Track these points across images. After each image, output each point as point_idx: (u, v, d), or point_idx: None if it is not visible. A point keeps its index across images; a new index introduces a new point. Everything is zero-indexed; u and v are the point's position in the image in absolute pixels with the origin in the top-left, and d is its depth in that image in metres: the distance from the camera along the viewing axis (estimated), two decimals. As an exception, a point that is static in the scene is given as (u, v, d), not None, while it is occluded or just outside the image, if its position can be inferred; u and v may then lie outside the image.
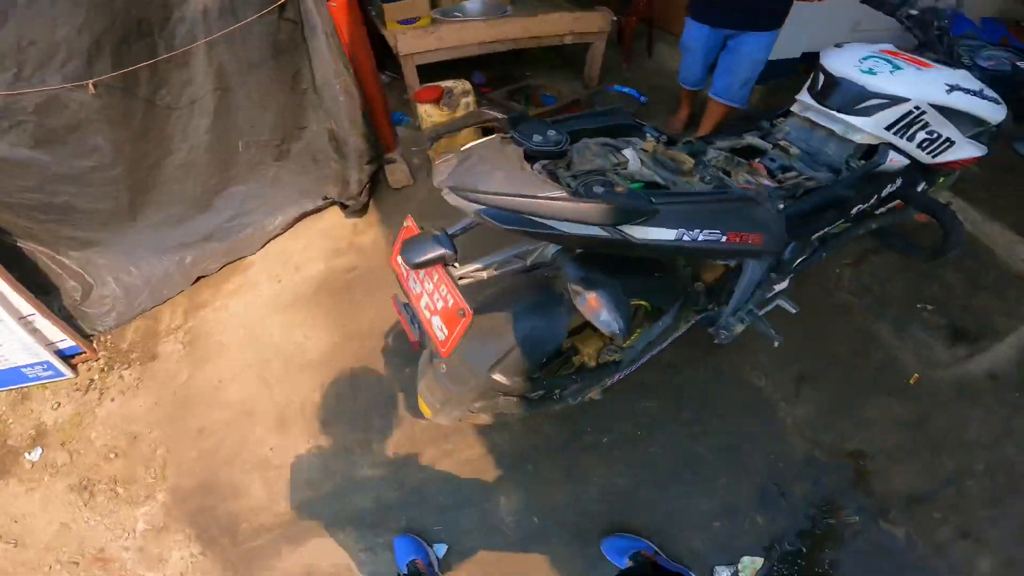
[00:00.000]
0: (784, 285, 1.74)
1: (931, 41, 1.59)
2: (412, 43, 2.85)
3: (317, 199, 2.67)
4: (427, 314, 1.15)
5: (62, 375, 2.07)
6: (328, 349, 2.24)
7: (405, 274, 1.21)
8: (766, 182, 1.40)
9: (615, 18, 3.36)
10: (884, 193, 1.61)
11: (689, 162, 1.34)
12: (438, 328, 1.11)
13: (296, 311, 2.38)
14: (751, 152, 1.60)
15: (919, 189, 1.76)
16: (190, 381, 2.21)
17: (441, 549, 1.74)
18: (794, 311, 1.77)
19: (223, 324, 2.37)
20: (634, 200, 1.04)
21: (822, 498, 1.91)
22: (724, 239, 1.09)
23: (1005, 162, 3.09)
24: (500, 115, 1.26)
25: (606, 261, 1.19)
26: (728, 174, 1.43)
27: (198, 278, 2.49)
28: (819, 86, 1.49)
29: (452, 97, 2.68)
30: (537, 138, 1.11)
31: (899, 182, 1.61)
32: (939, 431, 2.10)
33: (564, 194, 0.98)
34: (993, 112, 1.49)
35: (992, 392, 2.22)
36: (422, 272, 1.16)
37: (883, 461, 2.00)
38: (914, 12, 1.61)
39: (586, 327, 1.55)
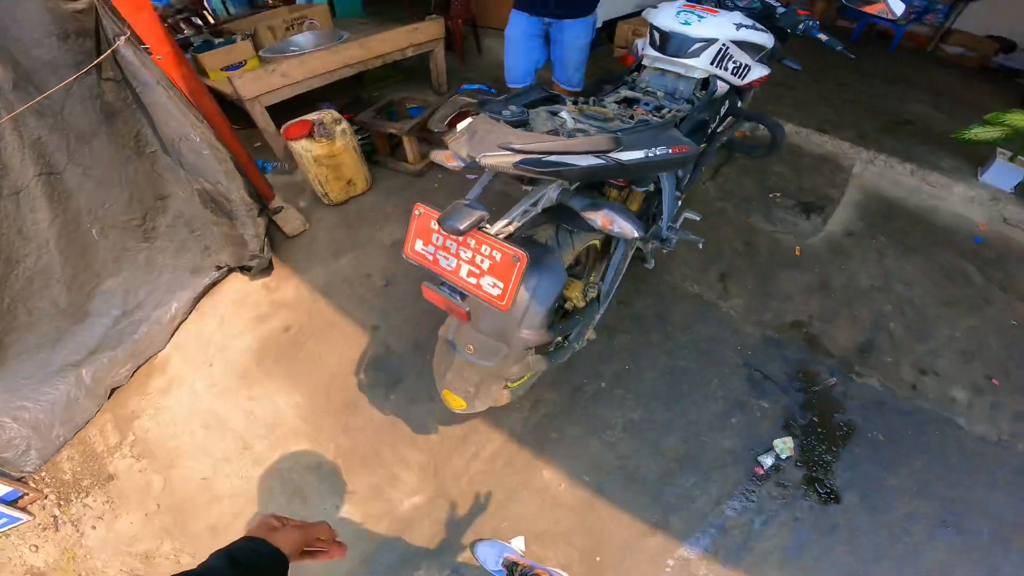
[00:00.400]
0: (689, 214, 2.15)
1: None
2: (255, 85, 2.63)
3: (210, 271, 2.32)
4: (472, 280, 1.20)
5: (18, 519, 1.81)
6: (306, 408, 2.00)
7: (431, 257, 1.25)
8: (654, 119, 1.70)
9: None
10: (722, 113, 2.00)
11: (610, 113, 1.59)
12: (490, 286, 1.18)
13: (248, 388, 2.05)
14: (629, 102, 1.91)
15: (740, 106, 2.24)
16: (169, 487, 1.89)
17: (519, 541, 1.68)
18: (698, 218, 2.15)
19: (171, 426, 2.00)
20: (616, 132, 1.26)
21: (796, 370, 2.25)
22: (671, 151, 1.32)
23: (778, 78, 3.94)
24: (471, 100, 1.39)
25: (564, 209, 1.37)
26: (631, 117, 1.70)
27: (111, 391, 2.04)
28: (658, 42, 1.85)
29: (325, 127, 2.54)
30: (506, 112, 1.31)
31: (727, 103, 2.02)
32: (839, 287, 2.62)
33: (575, 139, 1.15)
34: (766, 39, 1.92)
35: (856, 244, 2.82)
36: (453, 245, 1.22)
37: (819, 325, 2.44)
38: None
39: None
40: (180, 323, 2.23)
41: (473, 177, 3.00)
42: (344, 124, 2.59)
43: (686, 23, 1.78)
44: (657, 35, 1.83)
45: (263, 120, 2.79)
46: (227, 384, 2.07)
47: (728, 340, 2.31)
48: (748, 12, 1.98)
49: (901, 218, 3.12)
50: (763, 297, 2.52)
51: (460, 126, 1.26)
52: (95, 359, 2.00)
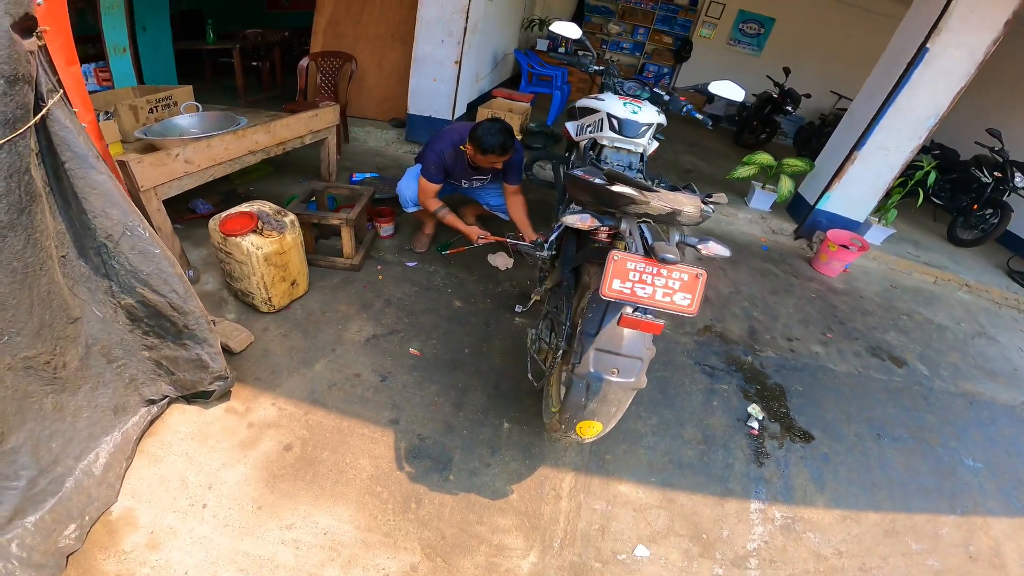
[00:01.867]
0: None
1: (606, 85, 2.73)
2: (156, 173, 2.26)
3: (138, 409, 1.87)
4: (667, 299, 1.47)
5: None
6: (363, 517, 1.78)
7: (628, 292, 1.47)
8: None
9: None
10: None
11: None
12: (682, 299, 1.48)
13: (277, 517, 1.72)
14: None
15: None
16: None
17: (642, 550, 1.89)
18: None
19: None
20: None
21: (726, 358, 2.95)
22: None
23: None
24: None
25: None
26: None
27: (67, 558, 1.45)
28: (616, 127, 2.32)
29: (272, 219, 2.34)
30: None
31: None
32: (714, 297, 3.56)
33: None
34: (663, 119, 2.53)
35: (722, 273, 3.75)
36: (649, 276, 1.47)
37: (719, 325, 3.23)
38: (597, 69, 2.77)
39: None
40: (125, 470, 1.74)
41: (411, 265, 3.09)
42: (291, 216, 2.41)
43: (634, 112, 2.36)
44: (616, 122, 2.35)
45: (160, 217, 2.36)
46: (244, 520, 1.70)
47: (676, 349, 2.92)
48: (652, 100, 2.69)
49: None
50: (679, 316, 3.18)
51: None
52: (15, 526, 1.43)
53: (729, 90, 2.60)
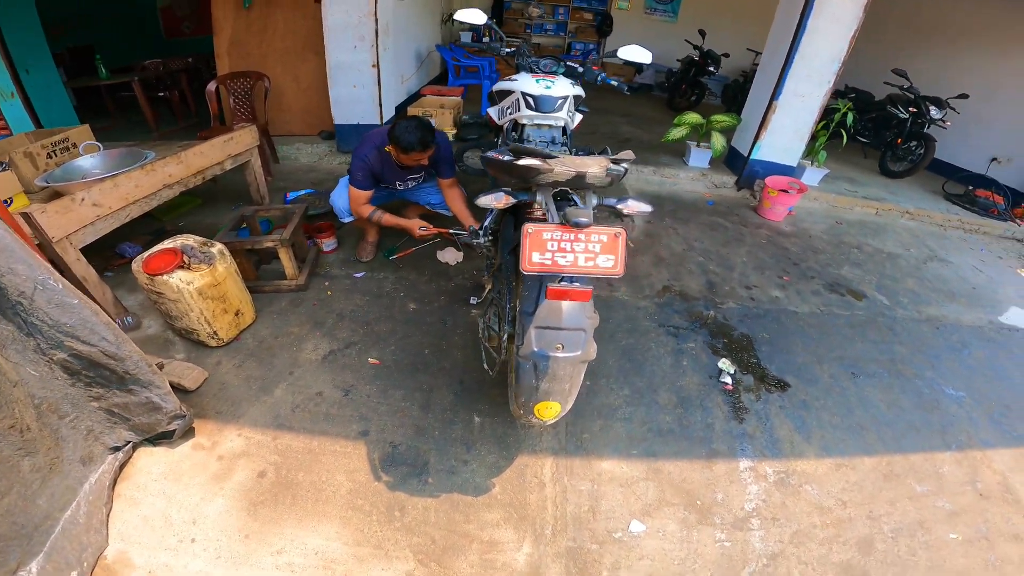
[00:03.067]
0: None
1: (521, 65, 2.73)
2: (65, 221, 2.13)
3: (105, 456, 1.80)
4: (590, 263, 1.47)
5: None
6: (350, 532, 1.74)
7: (550, 262, 1.47)
8: None
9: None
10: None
11: None
12: (605, 261, 1.47)
13: (265, 544, 1.67)
14: None
15: None
16: None
17: (637, 525, 1.87)
18: None
19: None
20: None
21: (689, 316, 3.00)
22: None
23: None
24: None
25: None
26: None
27: None
28: (532, 104, 2.35)
29: (198, 251, 2.24)
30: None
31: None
32: (668, 257, 3.60)
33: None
34: (581, 91, 2.60)
35: (658, 228, 3.89)
36: (568, 244, 1.47)
37: (677, 284, 3.28)
38: (509, 51, 2.78)
39: None
40: (107, 515, 1.67)
41: (359, 276, 3.03)
42: (219, 245, 2.32)
43: (548, 87, 2.38)
44: (531, 99, 2.37)
45: (81, 267, 2.23)
46: (235, 551, 1.65)
47: (638, 315, 2.94)
48: (567, 74, 2.73)
49: (667, 203, 4.40)
50: (635, 280, 3.26)
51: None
52: None
53: (637, 54, 2.70)
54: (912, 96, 5.25)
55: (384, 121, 4.67)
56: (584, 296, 1.52)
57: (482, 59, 6.52)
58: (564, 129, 2.46)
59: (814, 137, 4.59)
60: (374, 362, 2.40)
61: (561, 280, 1.50)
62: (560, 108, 2.37)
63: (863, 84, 6.35)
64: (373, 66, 4.34)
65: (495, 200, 1.69)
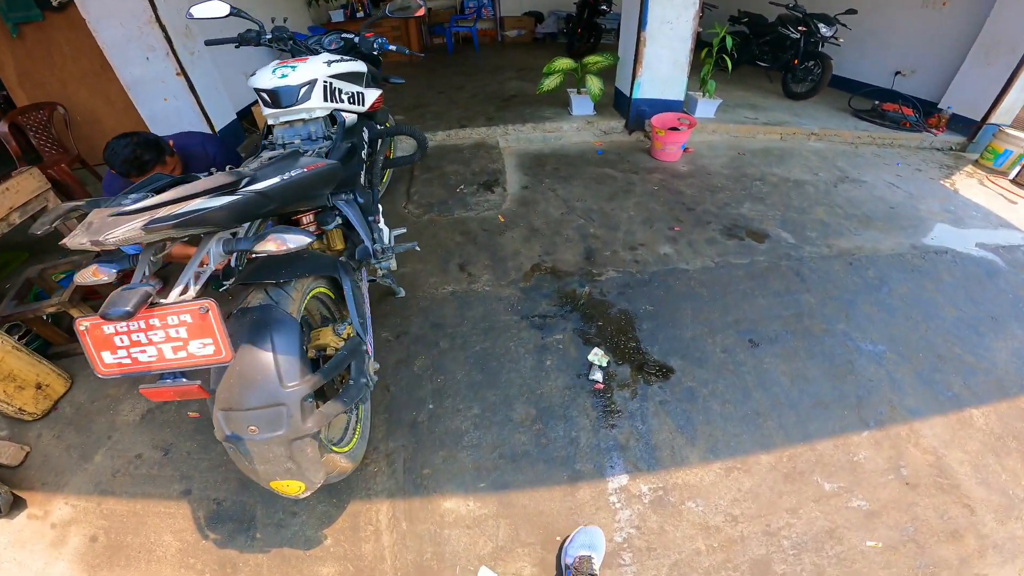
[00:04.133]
0: (397, 232, 2.38)
1: (294, 49, 2.26)
2: None
3: None
4: (183, 354, 1.15)
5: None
6: None
7: (129, 360, 1.17)
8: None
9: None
10: (368, 138, 2.30)
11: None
12: (200, 347, 1.14)
13: None
14: None
15: (380, 127, 2.55)
16: None
17: (486, 572, 1.56)
18: (404, 230, 2.48)
19: None
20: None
21: (559, 299, 2.52)
22: (307, 170, 1.42)
23: (416, 102, 4.93)
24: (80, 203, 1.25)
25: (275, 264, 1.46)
26: None
27: None
28: (269, 102, 1.90)
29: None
30: (127, 201, 1.19)
31: (366, 130, 2.29)
32: (543, 226, 3.11)
33: (192, 183, 1.25)
34: (358, 66, 2.21)
35: (534, 192, 3.45)
36: (141, 336, 1.14)
37: (549, 259, 2.80)
38: (269, 36, 2.23)
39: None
40: None
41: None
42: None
43: (284, 76, 1.87)
44: (266, 95, 1.88)
45: None
46: None
47: (498, 308, 2.46)
48: (335, 51, 2.31)
49: (550, 161, 3.87)
50: (500, 263, 2.77)
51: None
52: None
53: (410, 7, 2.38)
54: (800, 15, 4.94)
55: (220, 129, 4.07)
56: (191, 394, 1.19)
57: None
58: (332, 119, 2.08)
59: (702, 67, 4.15)
60: (193, 415, 2.14)
61: (161, 377, 1.20)
62: (307, 97, 1.91)
63: (756, 7, 5.97)
64: (179, 74, 3.72)
65: (86, 277, 1.21)
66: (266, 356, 1.26)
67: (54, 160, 3.61)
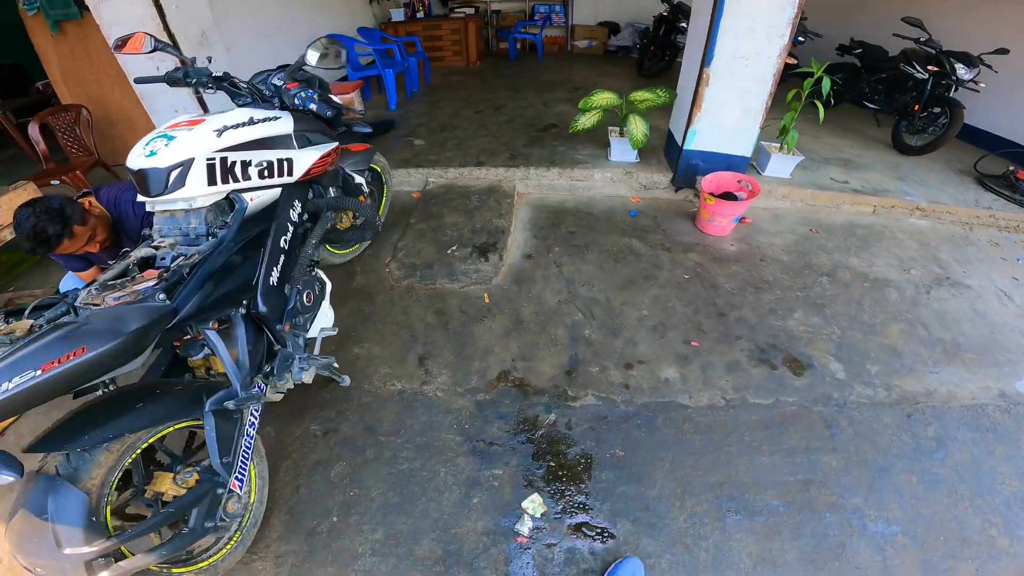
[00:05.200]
0: (324, 330, 2.10)
1: (231, 92, 1.93)
2: None
3: None
4: None
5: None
6: None
7: None
8: (147, 284, 1.42)
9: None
10: (299, 217, 1.95)
11: (23, 327, 1.27)
12: None
13: None
14: (144, 264, 1.60)
15: (332, 195, 2.26)
16: None
17: None
18: (334, 331, 2.14)
19: None
20: None
21: (516, 423, 2.12)
22: (40, 372, 1.09)
23: (443, 123, 4.56)
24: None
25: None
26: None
27: None
28: (138, 186, 1.56)
29: None
30: None
31: (297, 204, 1.95)
32: (531, 316, 2.63)
33: None
34: (280, 127, 1.84)
35: (536, 265, 2.98)
36: None
37: (523, 365, 2.37)
38: (193, 79, 1.85)
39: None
40: None
41: None
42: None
43: (152, 153, 1.52)
44: (135, 179, 1.54)
45: None
46: None
47: (443, 423, 2.14)
48: (260, 102, 1.96)
49: (567, 220, 3.36)
50: (465, 363, 2.41)
51: None
52: None
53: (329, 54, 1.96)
54: (932, 51, 4.04)
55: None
56: None
57: (383, 44, 5.50)
58: (229, 203, 1.71)
59: (788, 110, 3.43)
60: None
61: None
62: (180, 183, 1.53)
63: (875, 36, 5.04)
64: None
65: None
66: (43, 525, 1.19)
67: (80, 162, 3.84)
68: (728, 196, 3.14)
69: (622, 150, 3.66)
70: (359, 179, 2.60)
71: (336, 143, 2.17)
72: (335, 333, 2.15)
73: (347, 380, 2.26)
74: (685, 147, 3.36)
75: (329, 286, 2.21)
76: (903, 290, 2.81)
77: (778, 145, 3.60)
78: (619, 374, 2.31)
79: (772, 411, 2.15)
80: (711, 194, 3.08)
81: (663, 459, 1.97)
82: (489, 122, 4.65)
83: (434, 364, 2.37)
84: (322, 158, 2.02)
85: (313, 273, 2.14)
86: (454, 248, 3.03)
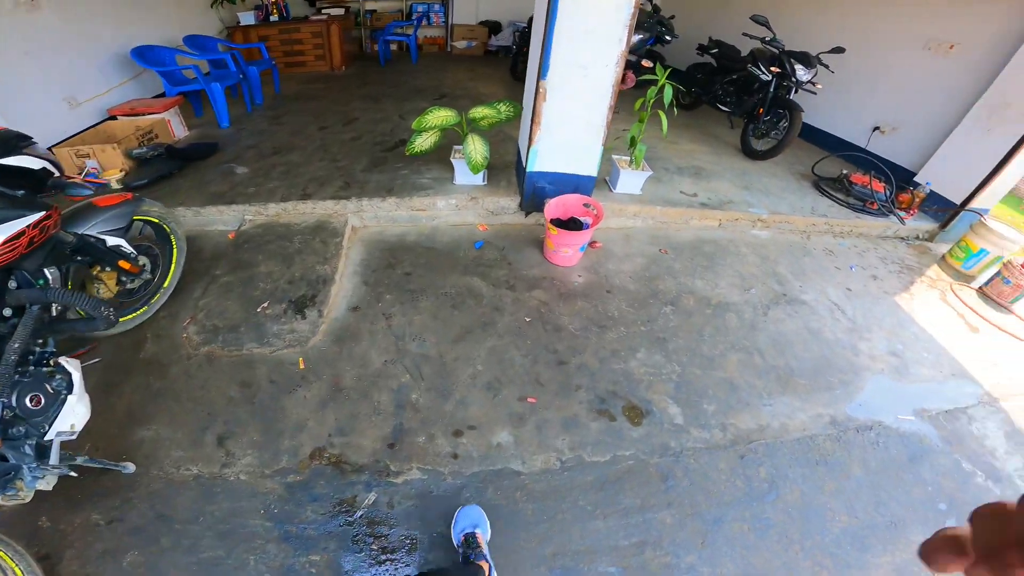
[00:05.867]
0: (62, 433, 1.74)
1: None
2: None
3: None
4: None
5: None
6: None
7: None
8: None
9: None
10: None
11: None
12: None
13: None
14: None
15: (49, 275, 1.96)
16: None
17: None
18: (74, 435, 1.76)
19: None
20: None
21: (332, 505, 1.89)
22: None
23: (279, 145, 3.74)
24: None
25: None
26: None
27: None
28: None
29: None
30: None
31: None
32: (353, 382, 2.33)
33: None
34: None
35: (363, 318, 2.65)
36: None
37: (339, 441, 2.10)
38: None
39: None
40: None
41: None
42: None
43: None
44: None
45: None
46: None
47: (249, 507, 1.89)
48: None
49: (405, 259, 3.06)
50: (274, 441, 2.13)
51: None
52: None
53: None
54: (776, 51, 4.13)
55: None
56: None
57: (216, 54, 4.87)
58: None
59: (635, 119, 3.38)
60: None
61: None
62: None
63: (732, 36, 5.06)
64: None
65: None
66: None
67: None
68: (575, 222, 2.99)
69: (466, 173, 3.41)
70: (114, 241, 2.14)
71: (42, 212, 1.77)
72: (74, 437, 1.76)
73: (131, 467, 1.94)
74: (528, 169, 3.19)
75: (78, 375, 1.83)
76: (742, 314, 2.85)
77: (628, 159, 3.55)
78: (447, 442, 2.12)
79: (609, 468, 2.06)
80: (555, 222, 2.94)
81: (492, 533, 1.80)
82: (332, 141, 4.26)
83: (236, 444, 2.08)
84: (10, 240, 1.63)
85: (47, 369, 1.75)
86: (265, 305, 2.66)
